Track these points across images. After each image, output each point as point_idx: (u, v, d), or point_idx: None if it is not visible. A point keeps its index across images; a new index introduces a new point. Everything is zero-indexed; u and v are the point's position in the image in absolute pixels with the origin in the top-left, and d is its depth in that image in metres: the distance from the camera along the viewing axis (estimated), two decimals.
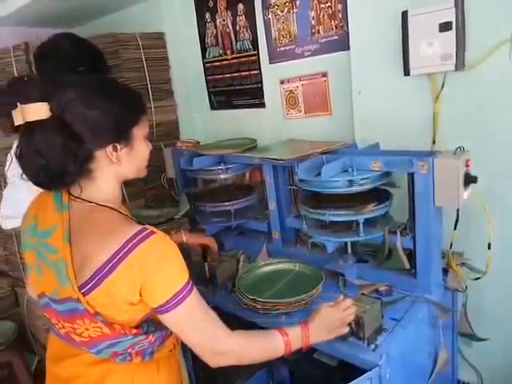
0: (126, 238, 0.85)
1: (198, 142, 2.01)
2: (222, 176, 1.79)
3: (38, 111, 0.83)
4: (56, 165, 0.85)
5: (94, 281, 0.85)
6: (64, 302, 0.90)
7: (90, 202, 0.93)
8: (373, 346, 1.14)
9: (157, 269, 0.87)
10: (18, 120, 0.84)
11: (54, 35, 1.42)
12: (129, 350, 0.95)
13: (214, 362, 0.96)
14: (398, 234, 1.39)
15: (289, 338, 1.01)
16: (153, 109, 2.31)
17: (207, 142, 2.03)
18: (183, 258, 0.93)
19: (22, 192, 1.34)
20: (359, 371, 1.10)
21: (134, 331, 0.93)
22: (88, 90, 0.90)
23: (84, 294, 0.87)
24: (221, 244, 1.90)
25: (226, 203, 1.82)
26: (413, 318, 1.26)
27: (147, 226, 0.89)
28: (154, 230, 0.89)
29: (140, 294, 0.88)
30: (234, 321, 1.70)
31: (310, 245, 1.53)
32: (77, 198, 0.94)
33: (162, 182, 2.17)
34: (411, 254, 1.38)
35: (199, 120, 2.49)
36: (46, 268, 0.93)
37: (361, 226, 1.39)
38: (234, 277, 1.54)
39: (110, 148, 0.91)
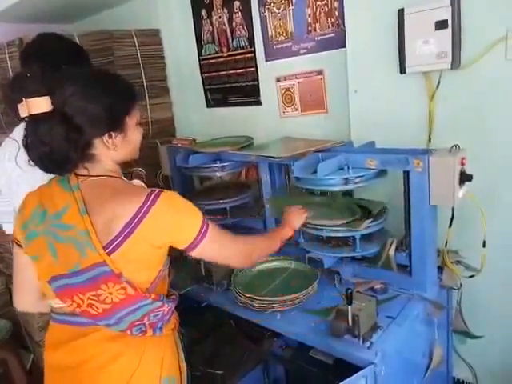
0: (145, 195, 0.97)
1: (194, 140, 2.00)
2: (218, 174, 1.79)
3: (40, 105, 0.92)
4: (59, 152, 0.95)
5: (122, 236, 0.95)
6: (88, 271, 0.96)
7: (101, 176, 1.02)
8: (368, 344, 1.14)
9: (179, 215, 1.01)
10: (23, 113, 0.93)
11: (37, 35, 1.45)
12: (145, 320, 1.02)
13: (247, 262, 1.24)
14: (393, 247, 1.40)
15: (282, 236, 1.34)
16: (148, 106, 2.30)
17: (203, 140, 2.02)
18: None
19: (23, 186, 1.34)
20: (355, 369, 1.10)
21: (153, 296, 1.02)
22: (85, 84, 0.98)
23: (109, 254, 0.95)
24: None
25: (222, 201, 1.82)
26: (408, 316, 1.27)
27: (157, 188, 1.01)
28: (164, 190, 1.02)
29: (168, 239, 1.01)
30: (230, 318, 1.70)
31: (308, 259, 1.53)
32: (86, 176, 1.02)
33: (157, 180, 2.16)
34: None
35: (195, 117, 2.48)
36: (61, 247, 0.98)
37: (357, 241, 1.40)
38: (230, 275, 1.54)
39: (106, 136, 1.00)
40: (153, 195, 0.97)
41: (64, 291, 1.01)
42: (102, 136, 0.99)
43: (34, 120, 0.93)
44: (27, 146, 0.96)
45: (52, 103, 0.93)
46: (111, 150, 1.02)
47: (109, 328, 1.02)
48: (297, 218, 1.41)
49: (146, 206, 0.95)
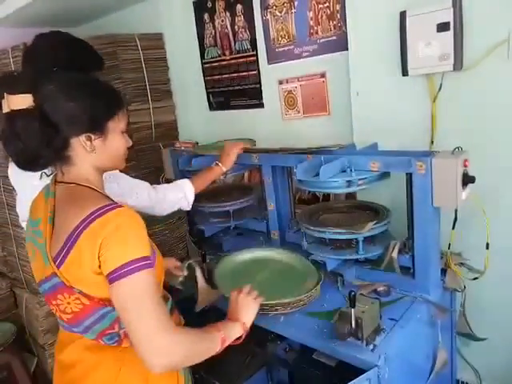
0: (94, 208, 0.90)
1: (197, 143, 2.01)
2: (221, 177, 1.79)
3: (22, 101, 0.94)
4: (32, 147, 0.94)
5: (66, 248, 0.91)
6: (48, 280, 0.96)
7: (72, 183, 1.00)
8: (371, 347, 1.14)
9: (116, 234, 0.88)
10: (5, 108, 0.95)
11: (35, 36, 1.41)
12: (115, 328, 0.98)
13: (164, 363, 0.87)
14: (396, 250, 1.39)
15: (225, 335, 1.02)
16: (151, 109, 2.31)
17: (206, 143, 2.03)
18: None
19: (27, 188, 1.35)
20: (358, 371, 1.10)
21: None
22: (68, 84, 0.99)
23: (58, 266, 0.92)
24: (219, 245, 1.90)
25: (225, 204, 1.82)
26: (411, 318, 1.26)
27: (122, 204, 0.94)
28: (127, 207, 0.94)
29: (98, 260, 0.88)
30: None
31: (311, 261, 1.53)
32: (60, 182, 1.02)
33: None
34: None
35: (198, 120, 2.49)
36: (37, 253, 1.00)
37: (360, 244, 1.40)
38: None
39: (83, 137, 0.98)
40: (102, 210, 0.90)
41: (45, 296, 1.03)
42: (78, 136, 0.97)
43: (13, 115, 0.94)
44: (4, 140, 0.96)
45: (33, 101, 0.94)
46: (89, 153, 0.99)
47: (84, 338, 1.01)
48: (249, 309, 1.13)
49: (89, 219, 0.89)
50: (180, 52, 2.41)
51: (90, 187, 1.00)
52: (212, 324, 1.04)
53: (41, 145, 0.94)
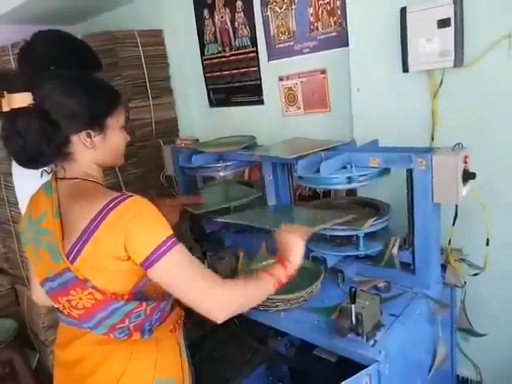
0: (109, 199, 0.94)
1: (197, 140, 2.01)
2: (221, 173, 1.79)
3: (22, 100, 0.93)
4: (33, 145, 0.95)
5: (81, 242, 0.92)
6: (59, 276, 0.97)
7: (75, 179, 1.02)
8: (372, 342, 1.14)
9: (138, 222, 0.93)
10: (5, 107, 0.93)
11: (34, 33, 1.41)
12: (126, 322, 1.00)
13: (221, 315, 0.97)
14: (397, 246, 1.39)
15: (277, 279, 1.08)
16: (151, 106, 2.31)
17: (206, 140, 2.03)
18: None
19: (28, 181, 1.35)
20: (358, 367, 1.10)
21: (126, 297, 0.98)
22: (67, 81, 0.99)
23: (72, 261, 0.93)
24: (220, 241, 1.91)
25: None
26: (411, 314, 1.27)
27: (129, 193, 0.97)
28: (137, 195, 0.97)
29: (125, 250, 0.92)
30: (233, 317, 1.71)
31: (311, 258, 1.53)
32: (62, 178, 1.03)
33: (161, 180, 2.17)
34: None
35: (198, 117, 2.48)
36: (42, 252, 1.00)
37: (361, 240, 1.40)
38: (234, 274, 1.55)
39: (83, 134, 1.00)
40: (116, 200, 0.93)
41: (51, 294, 1.04)
42: (78, 133, 0.99)
43: (13, 114, 0.93)
44: (5, 138, 0.97)
45: (33, 99, 0.93)
46: (90, 149, 1.02)
47: (92, 331, 1.02)
48: (295, 247, 1.13)
49: (105, 210, 0.92)
50: (180, 48, 2.40)
51: (94, 181, 1.03)
52: (265, 269, 1.12)
53: (42, 142, 0.95)
